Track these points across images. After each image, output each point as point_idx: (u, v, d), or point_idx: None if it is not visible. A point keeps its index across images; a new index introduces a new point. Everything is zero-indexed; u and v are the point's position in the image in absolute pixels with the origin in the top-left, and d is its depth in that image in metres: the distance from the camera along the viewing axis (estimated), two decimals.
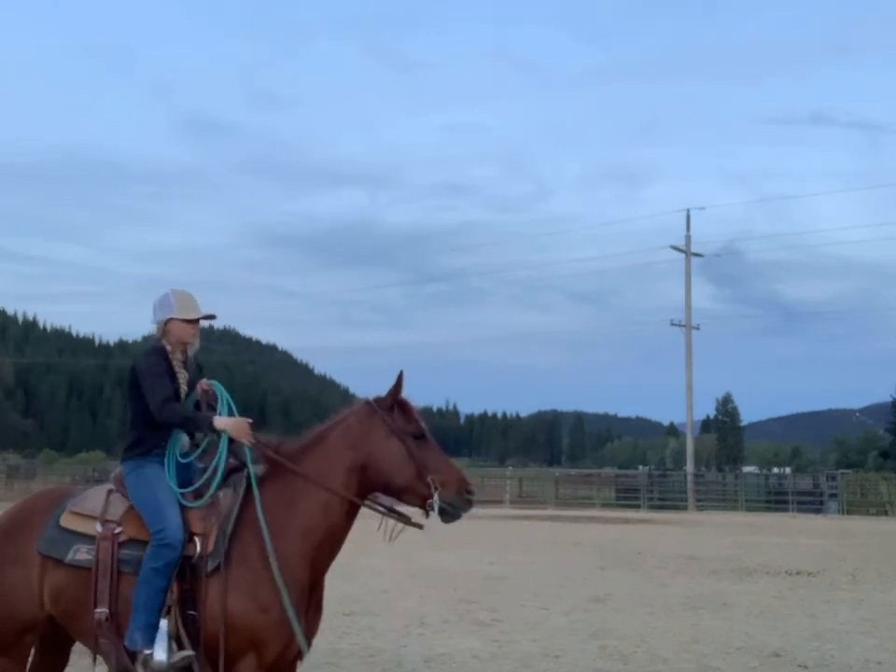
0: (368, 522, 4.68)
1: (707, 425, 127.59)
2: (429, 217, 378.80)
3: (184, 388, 4.72)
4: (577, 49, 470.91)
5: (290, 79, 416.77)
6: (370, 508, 4.61)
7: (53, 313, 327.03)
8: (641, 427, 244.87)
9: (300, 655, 4.39)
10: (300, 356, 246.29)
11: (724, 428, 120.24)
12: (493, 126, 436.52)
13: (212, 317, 4.87)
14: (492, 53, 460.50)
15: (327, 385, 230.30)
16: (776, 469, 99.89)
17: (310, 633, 4.44)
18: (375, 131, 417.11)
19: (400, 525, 4.65)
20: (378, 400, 4.62)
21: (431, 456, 4.49)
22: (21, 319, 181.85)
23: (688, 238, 48.00)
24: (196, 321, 4.82)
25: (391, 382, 4.64)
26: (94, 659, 4.52)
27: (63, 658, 4.90)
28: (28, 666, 4.68)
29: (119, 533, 4.43)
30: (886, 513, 36.09)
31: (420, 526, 4.51)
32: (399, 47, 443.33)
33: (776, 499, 40.56)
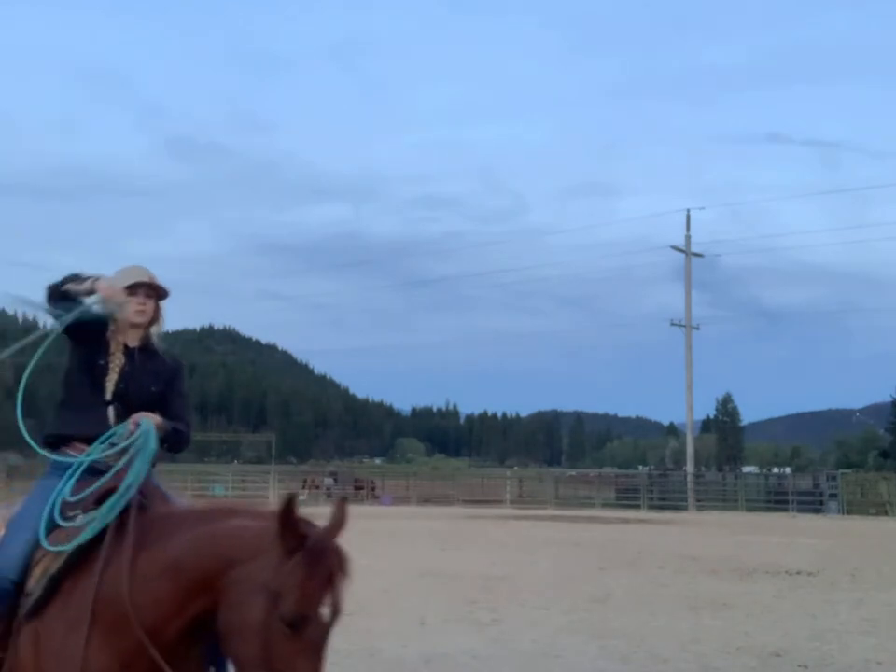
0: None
1: (707, 425, 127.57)
2: (414, 228, 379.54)
3: None
4: (547, 73, 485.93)
5: (275, 103, 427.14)
6: None
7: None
8: (641, 426, 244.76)
9: None
10: (300, 356, 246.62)
11: (724, 428, 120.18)
12: (471, 143, 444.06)
13: None
14: (467, 75, 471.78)
15: (327, 384, 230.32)
16: (776, 469, 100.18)
17: None
18: (357, 149, 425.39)
19: None
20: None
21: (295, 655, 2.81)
22: (20, 319, 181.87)
23: (688, 238, 48.18)
24: None
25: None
26: None
27: None
28: None
29: None
30: (886, 513, 36.08)
31: None
32: (376, 70, 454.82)
33: (776, 499, 40.55)
